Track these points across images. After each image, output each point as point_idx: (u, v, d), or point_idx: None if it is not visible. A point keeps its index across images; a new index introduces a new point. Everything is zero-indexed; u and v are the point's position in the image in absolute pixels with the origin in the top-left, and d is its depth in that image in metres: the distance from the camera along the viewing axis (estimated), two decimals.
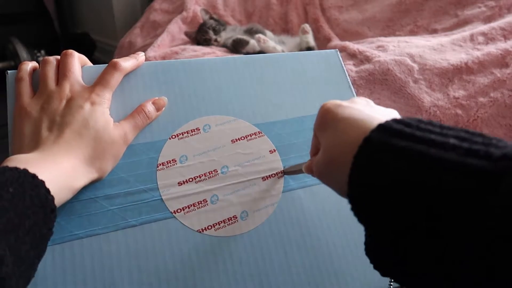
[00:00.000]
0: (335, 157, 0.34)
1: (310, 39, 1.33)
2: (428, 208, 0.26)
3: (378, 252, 0.31)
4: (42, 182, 0.36)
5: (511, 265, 0.22)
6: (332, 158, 0.34)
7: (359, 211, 0.32)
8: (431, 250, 0.26)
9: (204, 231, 0.47)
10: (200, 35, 1.42)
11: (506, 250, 0.22)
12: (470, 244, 0.24)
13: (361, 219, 0.32)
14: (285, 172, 0.52)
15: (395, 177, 0.28)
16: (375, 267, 0.32)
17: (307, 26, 1.34)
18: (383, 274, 0.31)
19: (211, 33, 1.40)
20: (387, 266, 0.31)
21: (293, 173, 0.51)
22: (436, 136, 0.28)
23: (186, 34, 1.49)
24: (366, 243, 0.32)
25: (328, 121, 0.36)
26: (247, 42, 1.30)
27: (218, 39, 1.40)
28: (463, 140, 0.27)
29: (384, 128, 0.30)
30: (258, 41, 1.25)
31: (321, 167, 0.36)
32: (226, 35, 1.41)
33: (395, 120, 0.31)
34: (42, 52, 2.09)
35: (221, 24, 1.44)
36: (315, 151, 0.41)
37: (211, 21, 1.44)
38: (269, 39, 1.27)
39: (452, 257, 0.25)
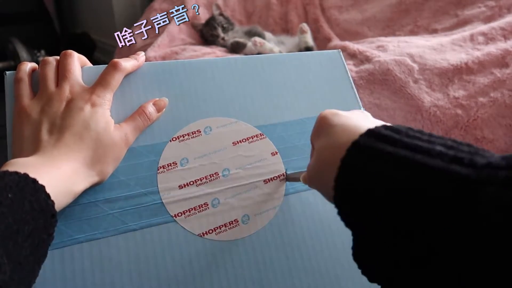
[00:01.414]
0: (325, 159, 0.34)
1: (309, 38, 1.33)
2: (411, 213, 0.26)
3: (365, 257, 0.32)
4: (43, 187, 0.35)
5: (489, 272, 0.23)
6: (322, 161, 0.35)
7: (344, 214, 0.32)
8: (414, 254, 0.27)
9: (205, 235, 0.47)
10: (208, 29, 1.41)
11: (484, 256, 0.23)
12: (451, 249, 0.24)
13: (347, 223, 0.32)
14: (287, 178, 0.52)
15: (380, 182, 0.28)
16: (363, 273, 0.32)
17: (305, 26, 1.34)
18: (371, 279, 0.31)
19: (220, 30, 1.39)
20: (374, 271, 0.31)
21: (294, 180, 0.51)
22: (423, 143, 0.28)
23: (192, 24, 1.48)
24: (353, 248, 0.33)
25: (323, 127, 0.37)
26: (244, 45, 1.30)
27: (226, 38, 1.39)
28: (449, 148, 0.27)
29: (372, 133, 0.31)
30: (255, 44, 1.25)
31: (312, 171, 0.37)
32: (232, 35, 1.41)
33: (384, 126, 0.31)
34: (42, 52, 2.09)
35: (230, 23, 1.44)
36: None
37: (221, 18, 1.43)
38: (265, 42, 1.27)
39: (434, 261, 0.25)
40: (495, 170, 0.24)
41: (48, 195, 0.35)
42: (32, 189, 0.35)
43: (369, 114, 0.39)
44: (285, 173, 0.52)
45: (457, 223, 0.24)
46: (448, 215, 0.24)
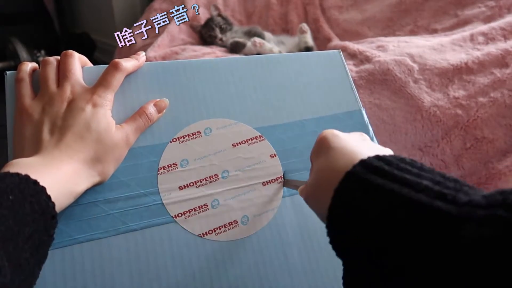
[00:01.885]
0: (322, 182, 0.35)
1: (309, 38, 1.33)
2: (397, 246, 0.27)
3: (354, 286, 0.32)
4: (43, 189, 0.35)
5: None
6: (319, 182, 0.36)
7: (335, 243, 0.33)
8: (400, 286, 0.27)
9: (205, 235, 0.47)
10: (206, 30, 1.42)
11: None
12: (435, 284, 0.25)
13: (337, 252, 0.33)
14: (285, 182, 0.52)
15: (367, 214, 0.29)
16: None
17: (305, 26, 1.34)
18: None
19: (217, 31, 1.40)
20: None
21: (291, 187, 0.51)
22: (412, 176, 0.29)
23: (191, 26, 1.48)
24: (343, 278, 0.33)
25: (323, 148, 0.38)
26: (244, 45, 1.30)
27: (224, 38, 1.40)
28: (436, 184, 0.28)
29: (365, 164, 0.32)
30: (254, 45, 1.25)
31: (309, 190, 0.38)
32: (230, 35, 1.41)
33: (377, 157, 0.32)
34: (42, 52, 2.09)
35: (228, 24, 1.44)
36: None
37: (219, 19, 1.43)
38: (265, 42, 1.27)
39: None
40: (474, 208, 0.25)
41: (49, 197, 0.36)
42: (33, 190, 0.35)
43: (367, 137, 0.40)
44: (283, 176, 0.52)
45: (439, 257, 0.25)
46: (430, 249, 0.25)
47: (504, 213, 0.23)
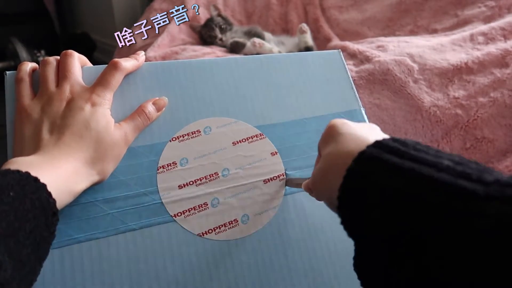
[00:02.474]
0: (332, 165, 0.35)
1: (308, 38, 1.33)
2: (415, 224, 0.26)
3: (365, 268, 0.32)
4: (44, 185, 0.35)
5: (494, 284, 0.23)
6: (328, 166, 0.35)
7: (347, 223, 0.32)
8: (416, 268, 0.26)
9: (205, 235, 0.47)
10: (206, 31, 1.42)
11: (490, 271, 0.23)
12: (455, 262, 0.24)
13: (350, 233, 0.32)
14: (287, 182, 0.52)
15: (385, 192, 0.28)
16: (362, 284, 0.32)
17: (304, 26, 1.34)
18: None
19: (217, 31, 1.40)
20: (375, 284, 0.31)
21: (294, 185, 0.51)
22: (430, 156, 0.28)
23: (191, 26, 1.49)
24: (354, 258, 0.33)
25: (331, 135, 0.38)
26: (243, 45, 1.30)
27: (224, 38, 1.40)
28: (457, 164, 0.27)
29: (380, 144, 0.31)
30: (254, 45, 1.25)
31: (317, 176, 0.37)
32: (230, 35, 1.41)
33: (392, 139, 0.32)
34: (42, 52, 2.09)
35: (228, 24, 1.44)
36: None
37: (219, 19, 1.43)
38: (264, 42, 1.27)
39: (437, 275, 0.25)
40: (502, 187, 0.24)
41: (49, 194, 0.36)
42: (34, 187, 0.35)
43: (377, 128, 0.39)
44: (285, 173, 0.52)
45: (462, 237, 0.24)
46: (453, 228, 0.24)
47: None
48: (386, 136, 0.33)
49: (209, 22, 1.44)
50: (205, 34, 1.43)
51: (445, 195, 0.25)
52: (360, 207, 0.30)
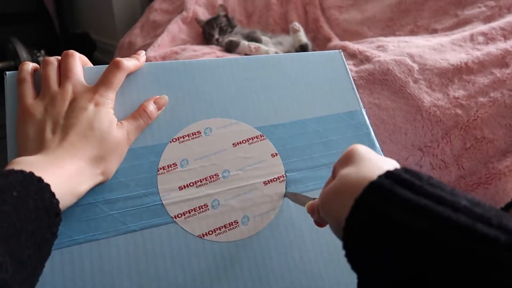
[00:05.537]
0: (346, 187, 0.33)
1: (302, 36, 1.34)
2: (426, 265, 0.25)
3: None
4: (47, 186, 0.36)
5: None
6: (343, 186, 0.33)
7: (353, 257, 0.30)
8: None
9: (205, 236, 0.47)
10: (207, 28, 1.44)
11: None
12: None
13: (354, 265, 0.30)
14: (288, 195, 0.51)
15: (395, 228, 0.27)
16: None
17: (296, 25, 1.35)
18: None
19: (216, 31, 1.41)
20: None
21: (296, 201, 0.49)
22: (447, 194, 0.27)
23: (196, 19, 1.50)
24: None
25: (352, 156, 0.36)
26: (237, 44, 1.31)
27: (220, 39, 1.40)
28: (475, 205, 0.26)
29: (392, 175, 0.29)
30: (250, 51, 1.26)
31: (328, 196, 0.35)
32: (228, 37, 1.41)
33: (404, 169, 0.30)
34: (42, 52, 2.09)
35: (230, 26, 1.45)
36: None
37: (223, 20, 1.44)
38: (260, 45, 1.28)
39: None
40: None
41: (52, 194, 0.36)
42: (37, 187, 0.35)
43: (394, 162, 0.36)
44: (285, 175, 0.52)
45: (476, 284, 0.23)
46: (468, 275, 0.23)
47: None
48: (398, 166, 0.32)
49: (212, 20, 1.45)
50: (205, 31, 1.46)
51: (463, 239, 0.24)
52: (366, 241, 0.28)
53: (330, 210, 0.34)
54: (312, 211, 0.41)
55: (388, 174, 0.30)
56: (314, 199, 0.43)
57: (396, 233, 0.27)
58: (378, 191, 0.29)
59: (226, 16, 1.48)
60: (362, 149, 0.36)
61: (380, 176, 0.30)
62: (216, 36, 1.41)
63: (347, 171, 0.34)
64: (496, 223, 0.24)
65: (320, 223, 0.42)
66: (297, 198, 0.48)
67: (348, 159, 0.36)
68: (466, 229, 0.24)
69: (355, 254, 0.30)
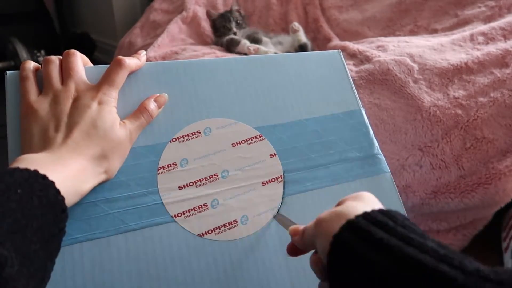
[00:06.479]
0: (343, 214, 0.34)
1: (301, 36, 1.33)
2: None
3: None
4: (52, 183, 0.36)
5: None
6: (341, 212, 0.35)
7: (332, 277, 0.33)
8: None
9: (205, 235, 0.47)
10: (222, 21, 1.42)
11: None
12: None
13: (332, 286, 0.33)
14: (277, 217, 0.50)
15: (368, 265, 0.29)
16: None
17: (295, 25, 1.35)
18: None
19: (233, 24, 1.40)
20: None
21: (281, 223, 0.48)
22: (416, 236, 0.29)
23: (208, 12, 1.48)
24: None
25: (361, 197, 0.38)
26: (238, 42, 1.31)
27: (238, 33, 1.40)
28: (441, 247, 0.28)
29: (368, 216, 0.32)
30: (249, 53, 1.26)
31: (327, 216, 0.36)
32: (239, 34, 1.41)
33: (381, 211, 0.32)
34: (42, 52, 2.09)
35: (244, 22, 1.45)
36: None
37: (237, 14, 1.44)
38: (259, 46, 1.28)
39: None
40: (482, 280, 0.24)
41: (57, 191, 0.36)
42: (42, 185, 0.35)
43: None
44: (283, 175, 0.52)
45: None
46: None
47: None
48: (376, 207, 0.34)
49: (228, 13, 1.43)
50: (219, 24, 1.42)
51: (425, 277, 0.26)
52: (345, 277, 0.31)
53: (322, 233, 0.35)
54: (296, 233, 0.41)
55: (365, 215, 0.32)
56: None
57: (369, 270, 0.29)
58: (354, 229, 0.31)
59: (239, 11, 1.48)
60: (366, 193, 0.38)
61: (357, 216, 0.32)
62: (234, 29, 1.39)
63: (351, 202, 0.36)
64: (457, 263, 0.26)
65: (294, 250, 0.42)
66: (284, 222, 0.47)
67: (357, 195, 0.38)
68: (430, 268, 0.26)
69: (334, 277, 0.32)
